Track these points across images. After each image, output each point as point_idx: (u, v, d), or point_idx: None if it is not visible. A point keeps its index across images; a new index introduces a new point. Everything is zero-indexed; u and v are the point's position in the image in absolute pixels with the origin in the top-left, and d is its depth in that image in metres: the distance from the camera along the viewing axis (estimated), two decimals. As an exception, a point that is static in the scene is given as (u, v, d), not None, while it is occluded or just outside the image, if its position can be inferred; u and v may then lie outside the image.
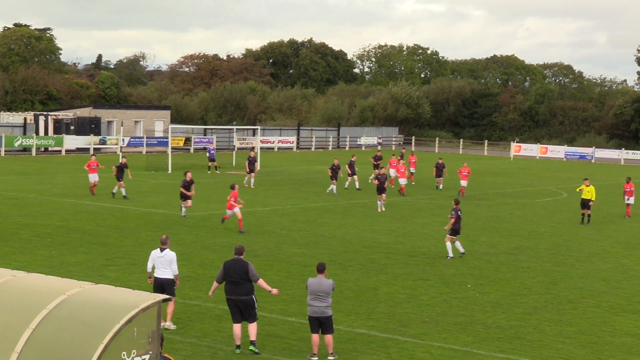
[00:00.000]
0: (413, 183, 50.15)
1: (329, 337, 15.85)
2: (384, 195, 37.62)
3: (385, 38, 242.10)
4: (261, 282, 16.18)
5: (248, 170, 45.64)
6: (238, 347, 16.02)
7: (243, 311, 15.98)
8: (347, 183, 46.04)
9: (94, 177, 40.06)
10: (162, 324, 15.34)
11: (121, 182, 38.64)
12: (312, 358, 15.83)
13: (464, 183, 45.53)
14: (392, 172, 47.84)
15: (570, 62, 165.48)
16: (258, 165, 47.69)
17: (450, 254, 26.35)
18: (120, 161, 39.62)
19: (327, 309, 15.79)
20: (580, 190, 36.99)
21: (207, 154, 57.39)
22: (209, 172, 54.08)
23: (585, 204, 36.31)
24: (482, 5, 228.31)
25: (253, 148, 51.00)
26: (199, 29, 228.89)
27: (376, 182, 38.18)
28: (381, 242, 29.07)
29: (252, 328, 16.03)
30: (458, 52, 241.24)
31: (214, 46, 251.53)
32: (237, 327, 16.05)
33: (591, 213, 36.53)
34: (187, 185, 32.86)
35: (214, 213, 34.47)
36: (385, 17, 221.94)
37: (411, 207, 39.61)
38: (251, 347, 15.97)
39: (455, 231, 26.48)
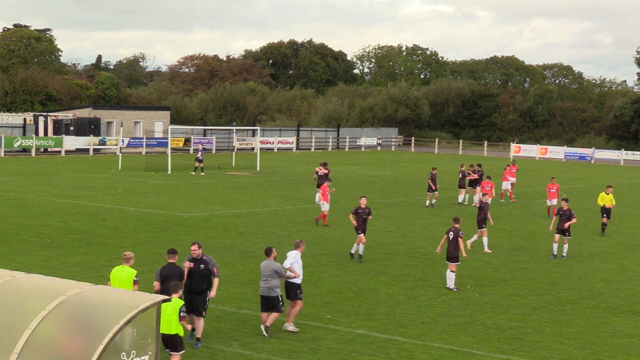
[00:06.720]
0: (513, 201, 44.02)
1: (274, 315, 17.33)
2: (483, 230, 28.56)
3: (389, 39, 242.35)
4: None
5: (433, 188, 39.58)
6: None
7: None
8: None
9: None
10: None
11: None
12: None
13: (554, 202, 37.48)
14: (505, 185, 44.07)
15: (574, 62, 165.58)
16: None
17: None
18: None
19: (270, 290, 17.35)
20: (603, 202, 33.63)
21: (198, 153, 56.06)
22: (193, 173, 52.77)
23: (606, 211, 33.42)
24: (488, 6, 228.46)
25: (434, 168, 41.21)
26: (202, 30, 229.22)
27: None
28: (381, 242, 29.06)
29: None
30: (463, 52, 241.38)
31: (217, 47, 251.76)
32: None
33: (592, 216, 36.51)
34: (362, 214, 26.21)
35: (213, 214, 34.46)
36: (390, 18, 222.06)
37: (411, 207, 39.59)
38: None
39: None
